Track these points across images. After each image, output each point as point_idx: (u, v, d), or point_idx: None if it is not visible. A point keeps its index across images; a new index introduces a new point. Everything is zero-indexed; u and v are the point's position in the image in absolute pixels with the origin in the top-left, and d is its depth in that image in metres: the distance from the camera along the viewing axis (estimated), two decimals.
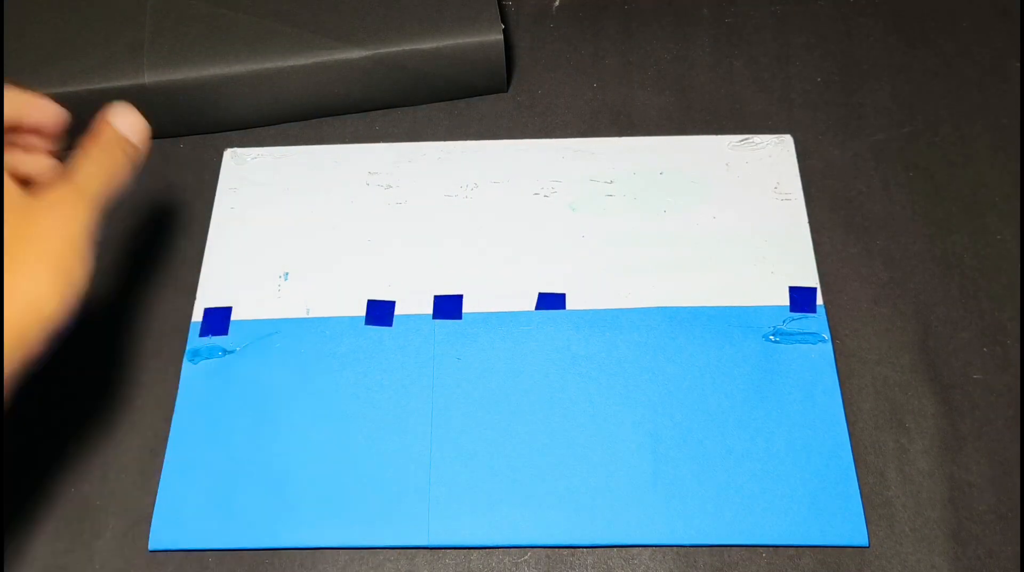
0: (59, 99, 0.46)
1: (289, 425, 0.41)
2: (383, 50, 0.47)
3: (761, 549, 0.38)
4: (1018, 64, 0.51)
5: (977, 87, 0.50)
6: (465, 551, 0.38)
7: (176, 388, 0.42)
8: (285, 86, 0.48)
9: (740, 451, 0.39)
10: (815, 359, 0.42)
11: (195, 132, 0.50)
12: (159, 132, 0.49)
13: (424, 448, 0.40)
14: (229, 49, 0.47)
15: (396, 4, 0.49)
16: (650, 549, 0.38)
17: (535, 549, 0.38)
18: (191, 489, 0.39)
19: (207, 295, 0.45)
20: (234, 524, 0.39)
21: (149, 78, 0.46)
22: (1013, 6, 0.53)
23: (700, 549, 0.38)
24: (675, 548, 0.38)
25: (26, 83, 0.46)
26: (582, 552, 0.38)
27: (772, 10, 0.54)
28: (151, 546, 0.38)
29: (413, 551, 0.38)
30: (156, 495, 0.39)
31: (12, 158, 0.36)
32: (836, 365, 0.42)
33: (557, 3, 0.55)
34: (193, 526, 0.39)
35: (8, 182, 0.33)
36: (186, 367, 0.42)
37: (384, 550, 0.38)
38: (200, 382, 0.42)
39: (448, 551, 0.38)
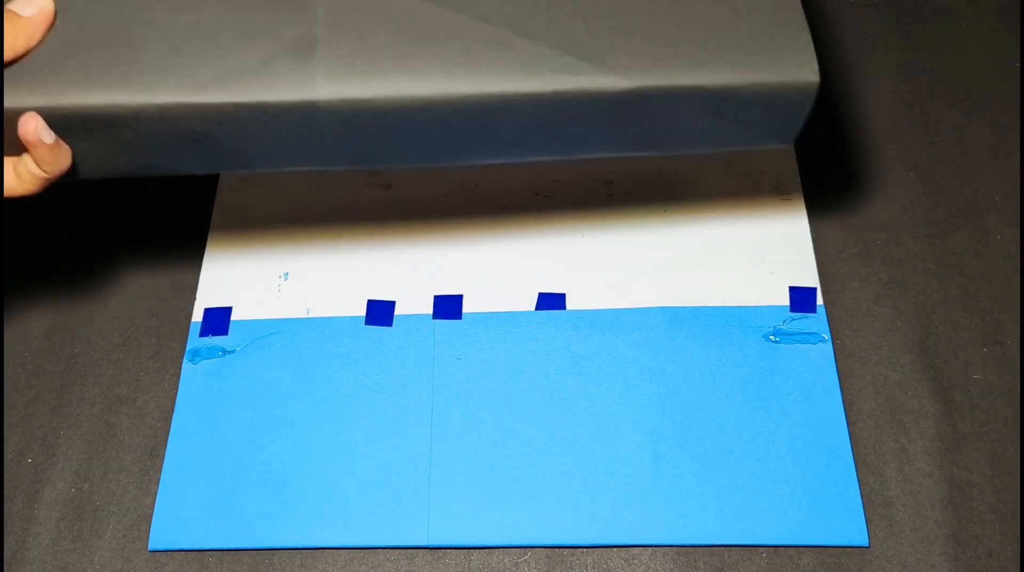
0: (190, 111, 0.31)
1: (289, 425, 0.41)
2: (652, 83, 0.32)
3: (761, 549, 0.38)
4: (1018, 64, 0.51)
5: (977, 87, 0.50)
6: (465, 551, 0.38)
7: (176, 388, 0.42)
8: (503, 120, 0.33)
9: (740, 451, 0.39)
10: (815, 359, 0.42)
11: (355, 164, 0.35)
12: (323, 162, 0.34)
13: (424, 448, 0.40)
14: (437, 63, 0.32)
15: (675, 19, 0.33)
16: (650, 549, 0.38)
17: (535, 549, 0.38)
18: (191, 489, 0.39)
19: (207, 295, 0.45)
20: (234, 524, 0.39)
21: (324, 93, 0.32)
22: (1013, 6, 0.53)
23: (700, 549, 0.38)
24: (675, 548, 0.38)
25: (147, 90, 0.31)
26: (582, 552, 0.38)
27: None
28: (151, 546, 0.38)
29: (413, 551, 0.38)
30: (156, 495, 0.39)
31: None
32: (836, 365, 0.42)
33: None
34: (193, 526, 0.39)
35: None
36: (186, 367, 0.42)
37: (384, 550, 0.38)
38: (200, 382, 0.42)
39: (448, 551, 0.38)
